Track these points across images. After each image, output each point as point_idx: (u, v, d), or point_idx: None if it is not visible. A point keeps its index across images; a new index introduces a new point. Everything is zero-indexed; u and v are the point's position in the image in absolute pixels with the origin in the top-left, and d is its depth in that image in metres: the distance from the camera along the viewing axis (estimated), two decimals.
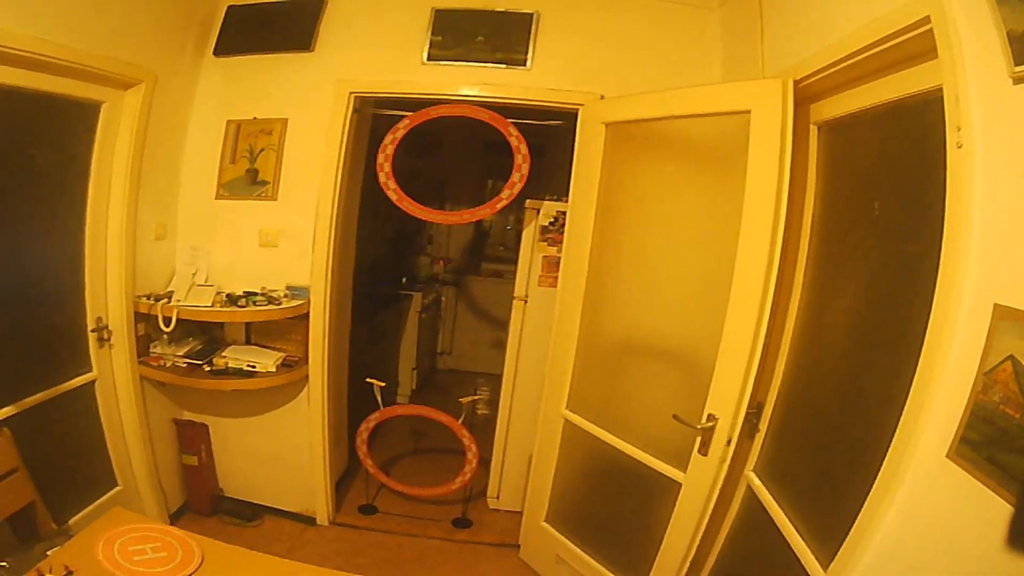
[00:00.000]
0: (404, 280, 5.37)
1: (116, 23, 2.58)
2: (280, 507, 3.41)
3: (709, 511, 2.15)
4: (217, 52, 3.09)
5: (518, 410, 3.41)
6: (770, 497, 1.98)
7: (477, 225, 6.16)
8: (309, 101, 3.00)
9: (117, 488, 2.99)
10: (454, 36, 2.88)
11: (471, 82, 2.87)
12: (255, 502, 3.41)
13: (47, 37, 2.29)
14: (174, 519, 3.25)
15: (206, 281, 3.04)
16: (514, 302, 3.37)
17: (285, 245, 3.07)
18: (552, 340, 2.88)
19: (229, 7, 3.09)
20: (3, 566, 1.98)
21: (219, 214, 3.12)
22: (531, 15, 2.84)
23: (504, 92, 2.86)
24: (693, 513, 2.17)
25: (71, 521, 2.59)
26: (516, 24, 2.85)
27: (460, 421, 3.22)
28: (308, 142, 3.00)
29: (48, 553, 1.79)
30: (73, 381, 2.76)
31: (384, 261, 5.25)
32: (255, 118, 3.06)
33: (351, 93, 2.95)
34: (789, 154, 1.90)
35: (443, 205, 6.02)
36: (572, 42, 2.84)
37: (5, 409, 2.41)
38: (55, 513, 2.37)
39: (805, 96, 1.94)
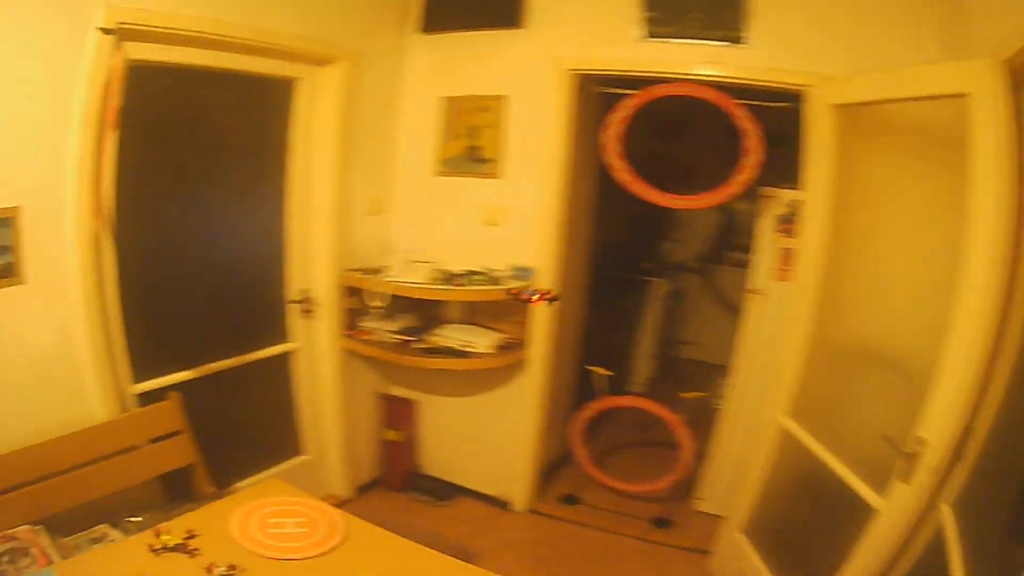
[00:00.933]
0: (647, 266, 5.44)
1: (314, 3, 2.91)
2: (477, 489, 3.60)
3: (899, 546, 1.92)
4: (425, 29, 3.36)
5: (743, 409, 3.36)
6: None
7: (722, 212, 5.93)
8: (527, 78, 3.16)
9: (304, 457, 3.34)
10: (668, 11, 2.88)
11: (691, 60, 2.86)
12: (451, 482, 3.65)
13: (245, 21, 2.61)
14: (361, 492, 3.57)
15: (424, 258, 3.21)
16: (748, 295, 3.30)
17: (509, 224, 3.28)
18: (782, 339, 2.82)
19: None
20: (136, 520, 2.21)
21: (439, 191, 3.43)
22: None
23: (726, 71, 2.82)
24: (882, 547, 1.96)
25: (241, 485, 2.80)
26: None
27: (679, 416, 3.16)
28: (530, 119, 3.18)
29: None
30: (271, 349, 3.14)
31: (627, 245, 5.36)
32: (471, 95, 3.31)
33: (569, 70, 3.08)
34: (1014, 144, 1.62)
35: (689, 191, 5.87)
36: (791, 17, 2.71)
37: (197, 370, 2.79)
38: (228, 476, 2.71)
39: None
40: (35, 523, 2.00)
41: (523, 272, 3.19)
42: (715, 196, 3.06)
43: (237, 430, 3.08)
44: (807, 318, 2.57)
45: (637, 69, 2.95)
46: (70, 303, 2.27)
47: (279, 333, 3.18)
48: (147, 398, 2.55)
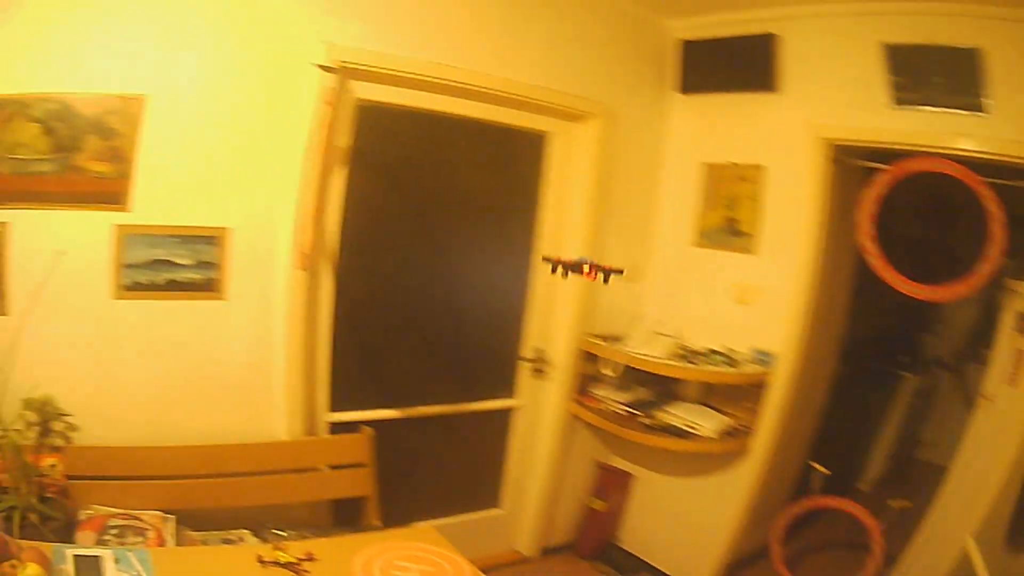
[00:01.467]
0: (902, 359, 5.20)
1: (568, 58, 3.03)
2: (663, 569, 3.58)
3: None
4: (683, 89, 3.38)
5: (943, 521, 3.17)
6: None
7: (979, 304, 5.46)
8: (781, 146, 3.13)
9: (498, 511, 3.47)
10: (913, 75, 2.73)
11: (937, 131, 2.71)
12: (642, 558, 3.65)
13: (492, 72, 2.81)
14: (546, 554, 3.62)
15: (668, 331, 3.24)
16: (979, 399, 3.17)
17: (759, 304, 3.23)
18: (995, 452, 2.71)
19: (684, 43, 3.34)
20: (280, 533, 2.36)
21: (693, 262, 3.42)
22: (973, 51, 2.56)
23: (968, 144, 2.65)
24: None
25: (420, 526, 2.78)
26: (964, 61, 2.58)
27: (881, 523, 3.15)
28: (785, 192, 3.13)
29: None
30: (492, 403, 3.25)
31: (883, 335, 5.07)
32: (730, 163, 3.28)
33: (822, 138, 3.01)
34: None
35: (950, 280, 5.45)
36: None
37: (405, 411, 2.96)
38: (413, 515, 2.88)
39: None
40: (168, 512, 2.25)
41: (764, 357, 3.14)
42: (959, 287, 2.93)
43: (436, 473, 3.23)
44: (1013, 434, 2.46)
45: (886, 140, 2.83)
46: (270, 325, 2.55)
47: (504, 388, 3.29)
48: (341, 428, 2.79)
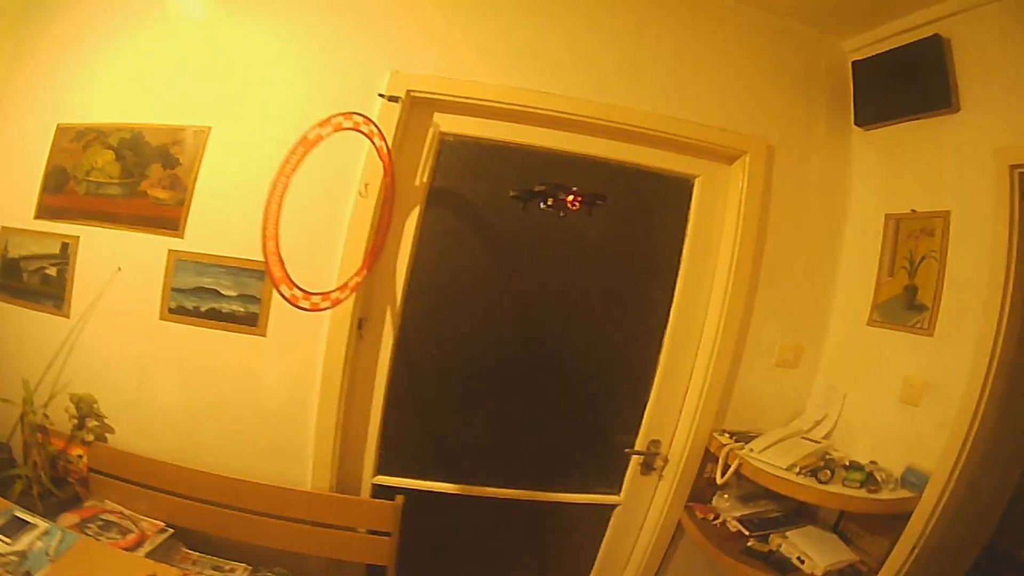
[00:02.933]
0: None
1: (711, 85, 2.60)
2: None
3: None
4: (858, 121, 2.74)
5: None
6: None
7: None
8: (968, 183, 2.33)
9: None
10: None
11: None
12: None
13: (606, 100, 2.50)
14: None
15: (820, 434, 2.65)
16: None
17: (927, 404, 2.37)
18: None
19: (853, 63, 2.71)
20: (279, 571, 2.43)
21: (864, 346, 2.67)
22: None
23: None
24: None
25: None
26: None
27: None
28: (975, 248, 2.29)
29: None
30: (585, 496, 2.79)
31: None
32: (913, 211, 2.54)
33: (1014, 168, 2.16)
34: None
35: None
36: None
37: (466, 488, 2.67)
38: None
39: None
40: (171, 526, 2.41)
41: (916, 478, 2.29)
42: None
43: (499, 564, 2.89)
44: None
45: None
46: (311, 370, 2.49)
47: (601, 480, 2.84)
48: (387, 492, 2.62)
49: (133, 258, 2.51)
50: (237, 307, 2.48)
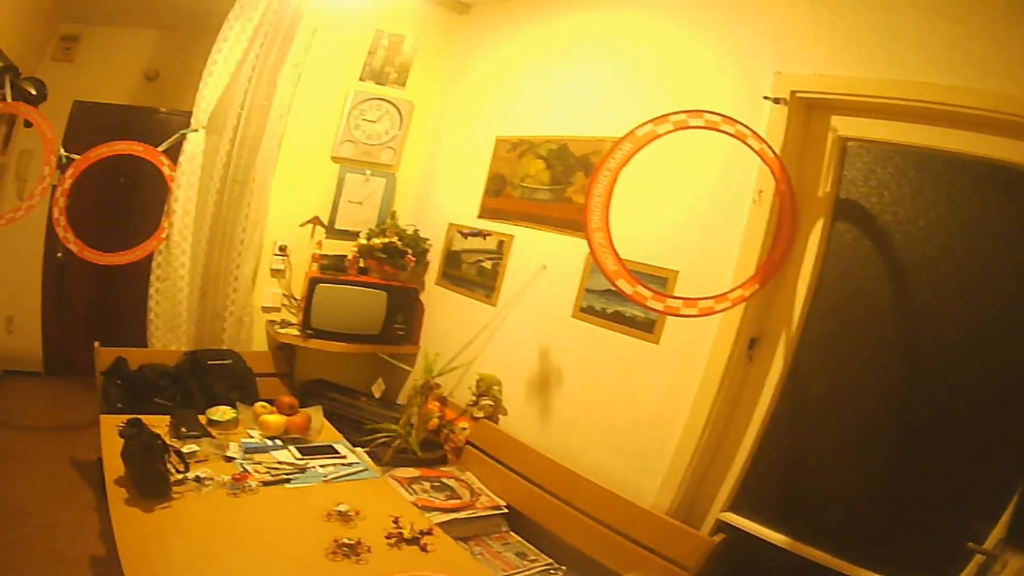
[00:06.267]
0: None
1: None
2: None
3: None
4: None
5: None
6: None
7: None
8: None
9: None
10: None
11: None
12: None
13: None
14: None
15: None
16: None
17: None
18: None
19: None
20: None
21: None
22: None
23: None
24: None
25: None
26: None
27: None
28: None
29: None
30: None
31: None
32: None
33: None
34: None
35: None
36: None
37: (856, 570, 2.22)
38: None
39: None
40: (507, 507, 2.83)
41: None
42: None
43: None
44: None
45: None
46: (686, 385, 2.51)
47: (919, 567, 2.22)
48: (729, 530, 2.45)
49: (556, 258, 3.04)
50: (639, 312, 2.77)
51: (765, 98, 2.41)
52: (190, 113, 3.48)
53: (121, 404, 3.17)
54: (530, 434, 3.03)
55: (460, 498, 2.85)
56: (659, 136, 2.14)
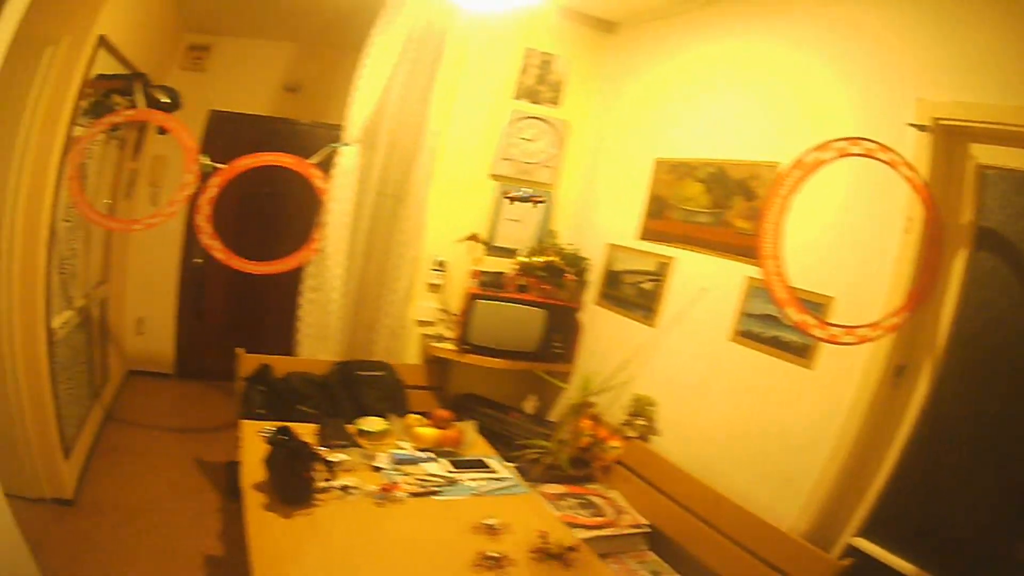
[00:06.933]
0: None
1: None
2: None
3: None
4: None
5: None
6: None
7: None
8: None
9: None
10: None
11: None
12: None
13: None
14: None
15: None
16: None
17: None
18: None
19: None
20: None
21: None
22: None
23: None
24: None
25: None
26: None
27: None
28: None
29: None
30: None
31: None
32: None
33: None
34: None
35: None
36: None
37: None
38: None
39: None
40: (649, 529, 2.93)
41: None
42: None
43: None
44: None
45: None
46: (834, 408, 2.53)
47: None
48: (858, 555, 2.47)
49: (714, 281, 3.10)
50: (795, 337, 2.77)
51: (911, 125, 2.40)
52: (334, 125, 3.65)
53: (263, 410, 3.30)
54: (678, 455, 3.10)
55: (604, 515, 2.97)
56: (824, 163, 2.20)
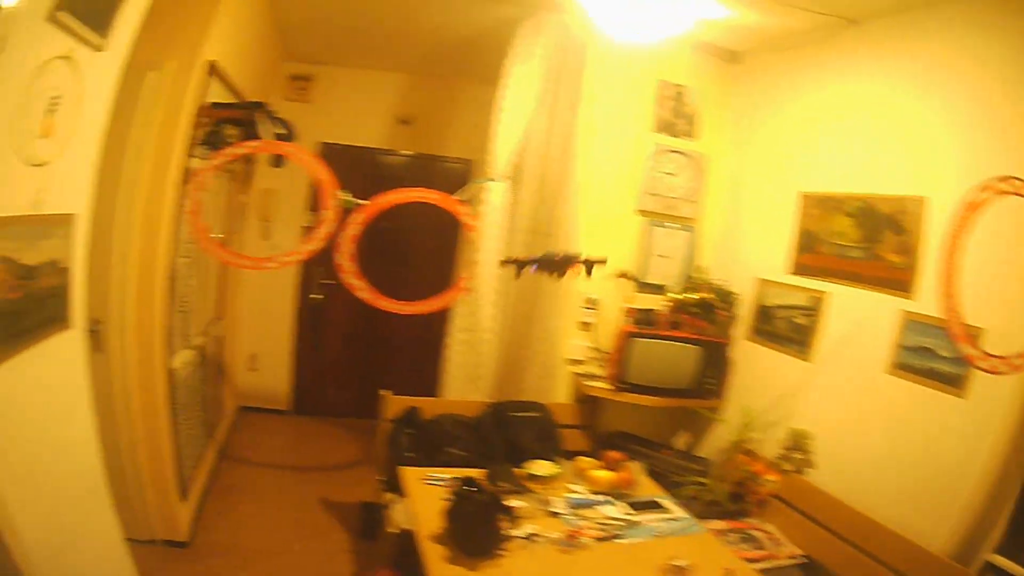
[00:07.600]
0: None
1: None
2: None
3: None
4: None
5: None
6: None
7: None
8: None
9: None
10: None
11: None
12: None
13: None
14: None
15: None
16: None
17: None
18: None
19: None
20: None
21: None
22: None
23: None
24: None
25: None
26: None
27: None
28: None
29: None
30: None
31: None
32: None
33: None
34: None
35: None
36: None
37: None
38: None
39: None
40: (804, 557, 3.02)
41: None
42: None
43: None
44: None
45: None
46: (986, 436, 2.58)
47: None
48: (995, 570, 2.55)
49: (870, 314, 3.16)
50: (950, 368, 2.81)
51: None
52: (454, 159, 3.63)
53: (411, 453, 3.29)
54: (833, 486, 3.18)
55: (764, 548, 3.09)
56: (986, 202, 2.28)
